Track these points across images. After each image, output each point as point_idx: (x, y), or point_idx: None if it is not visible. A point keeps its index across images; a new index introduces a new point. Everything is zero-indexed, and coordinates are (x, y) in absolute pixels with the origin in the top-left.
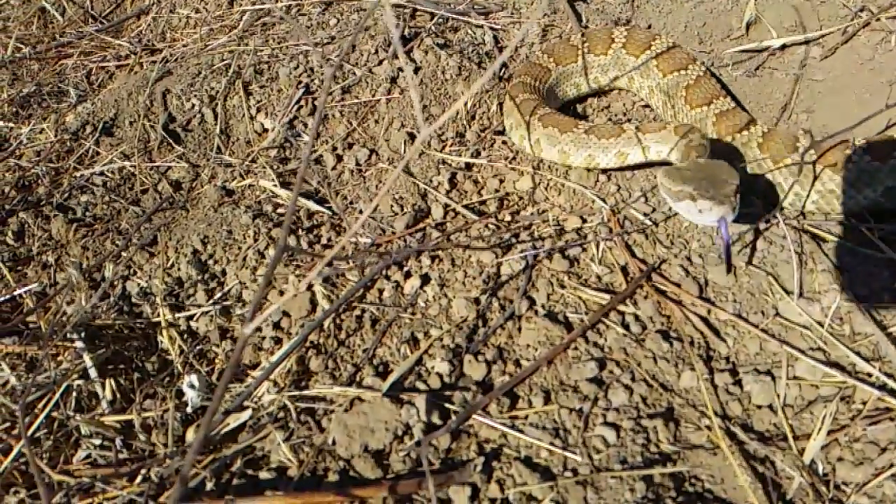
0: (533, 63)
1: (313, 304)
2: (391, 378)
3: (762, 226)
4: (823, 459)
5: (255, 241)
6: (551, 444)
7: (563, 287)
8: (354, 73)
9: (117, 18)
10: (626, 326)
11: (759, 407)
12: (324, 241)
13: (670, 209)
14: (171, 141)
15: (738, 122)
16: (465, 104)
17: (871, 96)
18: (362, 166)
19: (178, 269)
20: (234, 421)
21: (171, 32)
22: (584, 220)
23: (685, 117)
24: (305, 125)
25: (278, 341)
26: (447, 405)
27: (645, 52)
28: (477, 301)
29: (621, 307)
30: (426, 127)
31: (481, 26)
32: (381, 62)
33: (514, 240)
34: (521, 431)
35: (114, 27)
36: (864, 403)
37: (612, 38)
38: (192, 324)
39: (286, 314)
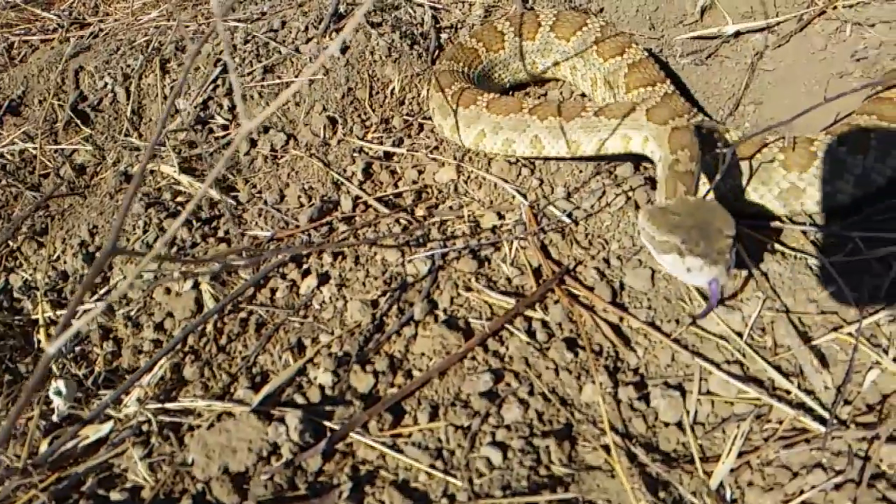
0: (450, 72)
1: (199, 304)
2: (264, 391)
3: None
4: (732, 484)
5: (145, 232)
6: (432, 466)
7: (469, 290)
8: (279, 52)
9: None
10: (531, 334)
11: (667, 424)
12: (220, 234)
13: (593, 207)
14: (79, 122)
15: (650, 76)
16: (395, 89)
17: (821, 88)
18: (278, 152)
19: (64, 262)
20: (94, 433)
21: (103, 6)
22: (502, 217)
23: (599, 71)
24: (221, 106)
25: (159, 344)
26: (324, 422)
27: (539, 31)
28: (375, 304)
29: (529, 312)
30: (247, 121)
31: (422, 5)
32: (308, 40)
33: (424, 237)
34: (401, 451)
35: None
36: (780, 423)
37: (501, 32)
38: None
39: (170, 315)
